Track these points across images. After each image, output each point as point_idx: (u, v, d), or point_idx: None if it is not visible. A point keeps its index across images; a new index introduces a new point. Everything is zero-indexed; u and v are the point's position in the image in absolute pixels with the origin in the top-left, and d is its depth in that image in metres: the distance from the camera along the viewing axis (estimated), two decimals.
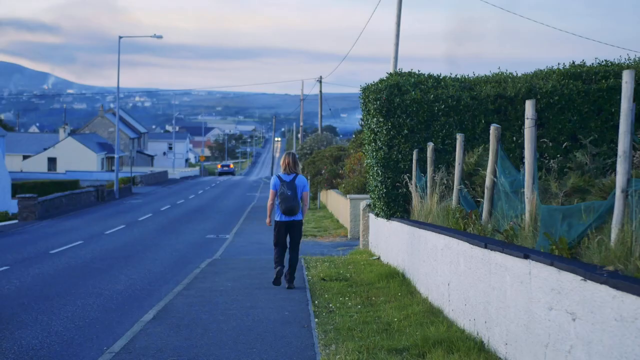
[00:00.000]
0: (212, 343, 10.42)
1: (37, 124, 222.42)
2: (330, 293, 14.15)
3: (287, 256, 15.09)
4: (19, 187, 54.51)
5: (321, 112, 69.79)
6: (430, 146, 14.88)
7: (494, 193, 10.60)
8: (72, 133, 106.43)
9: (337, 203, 37.45)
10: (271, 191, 14.75)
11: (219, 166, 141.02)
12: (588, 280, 6.20)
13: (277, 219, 14.75)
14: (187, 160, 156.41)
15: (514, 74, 17.24)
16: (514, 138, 15.91)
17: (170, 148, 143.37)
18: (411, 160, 16.29)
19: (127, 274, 18.82)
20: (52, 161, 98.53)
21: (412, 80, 16.90)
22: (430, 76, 17.26)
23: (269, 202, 14.87)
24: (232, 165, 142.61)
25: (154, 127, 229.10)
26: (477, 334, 9.53)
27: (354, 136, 45.23)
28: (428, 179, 14.70)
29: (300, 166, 15.47)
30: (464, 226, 11.50)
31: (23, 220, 39.04)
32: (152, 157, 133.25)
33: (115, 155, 64.06)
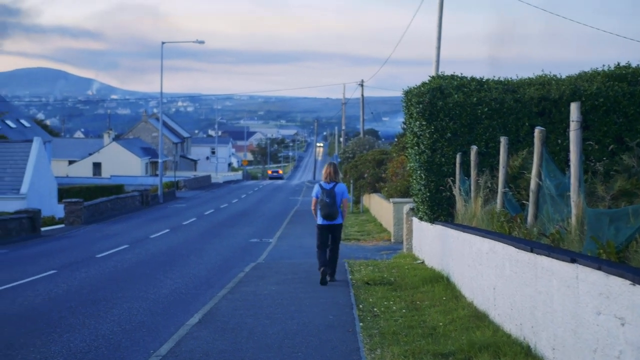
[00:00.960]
0: (257, 347, 10.48)
1: (82, 130, 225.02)
2: (374, 297, 14.15)
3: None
4: (65, 192, 55.18)
5: (363, 115, 69.75)
6: (473, 149, 14.82)
7: (539, 196, 10.53)
8: (116, 138, 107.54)
9: (380, 207, 37.40)
10: (313, 199, 16.39)
11: (270, 172, 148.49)
12: (637, 285, 6.14)
13: (319, 222, 16.19)
14: (229, 164, 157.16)
15: (558, 76, 17.11)
16: (559, 141, 15.79)
17: (213, 152, 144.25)
18: (454, 163, 16.23)
19: (172, 278, 18.97)
20: (97, 166, 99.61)
21: (455, 83, 16.85)
22: (473, 79, 17.19)
23: (312, 208, 16.47)
24: (280, 172, 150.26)
25: (196, 131, 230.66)
26: (524, 339, 9.47)
27: (396, 140, 45.15)
28: (472, 183, 14.64)
29: (341, 175, 16.57)
30: (509, 230, 11.44)
31: (69, 225, 39.53)
32: (195, 161, 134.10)
33: (159, 160, 64.58)
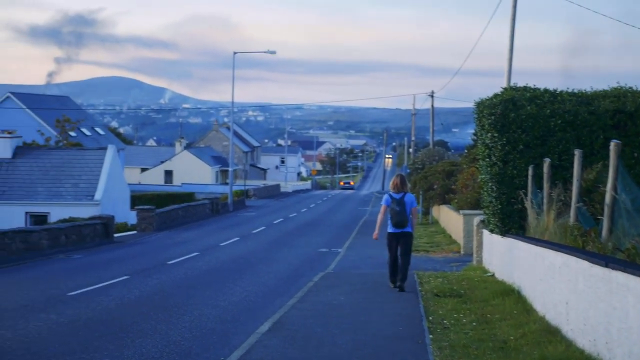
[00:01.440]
0: (327, 357, 10.52)
1: (155, 138, 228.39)
2: (444, 309, 14.08)
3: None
4: (137, 199, 56.05)
5: (433, 126, 69.44)
6: (546, 162, 14.65)
7: (614, 210, 10.37)
8: (187, 146, 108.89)
9: (449, 218, 37.17)
10: (383, 206, 16.80)
11: (342, 182, 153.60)
12: None
13: (389, 230, 16.59)
14: (299, 173, 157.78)
15: (634, 89, 16.82)
16: (634, 154, 15.53)
17: (283, 162, 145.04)
18: (526, 176, 16.06)
19: (241, 286, 19.13)
20: (168, 174, 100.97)
21: (527, 94, 16.69)
22: (546, 91, 16.99)
23: (380, 216, 16.91)
24: (352, 182, 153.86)
25: (266, 141, 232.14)
26: (598, 355, 9.32)
27: (466, 151, 44.83)
28: (544, 196, 14.46)
29: (408, 185, 16.94)
30: (582, 244, 11.28)
31: (141, 231, 40.15)
32: (264, 170, 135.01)
33: (229, 169, 65.18)
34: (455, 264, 24.54)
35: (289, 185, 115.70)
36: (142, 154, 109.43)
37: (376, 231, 17.18)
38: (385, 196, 16.74)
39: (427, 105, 71.12)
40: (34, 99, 73.65)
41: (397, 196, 16.41)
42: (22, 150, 44.28)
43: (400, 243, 16.55)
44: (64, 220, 33.87)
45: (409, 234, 16.65)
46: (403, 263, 16.60)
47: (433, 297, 15.58)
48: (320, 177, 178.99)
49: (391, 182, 16.79)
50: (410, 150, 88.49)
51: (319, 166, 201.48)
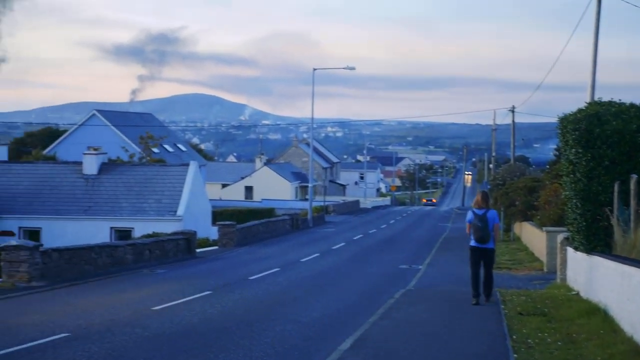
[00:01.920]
0: None
1: (235, 154, 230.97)
2: (528, 328, 13.88)
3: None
4: (218, 215, 56.69)
5: (514, 142, 68.61)
6: (633, 178, 14.35)
7: None
8: (267, 162, 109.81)
9: (531, 235, 36.65)
10: (467, 224, 17.38)
11: (424, 200, 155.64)
12: None
13: (471, 244, 17.27)
14: (378, 189, 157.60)
15: None
16: None
17: (362, 177, 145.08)
18: (612, 192, 15.75)
19: (322, 302, 19.17)
20: (248, 189, 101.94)
21: (613, 109, 16.39)
22: (632, 105, 16.66)
23: (467, 232, 17.46)
24: (434, 200, 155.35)
25: (345, 156, 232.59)
26: None
27: (547, 167, 44.21)
28: (631, 213, 14.17)
29: (491, 201, 17.36)
30: None
31: (222, 247, 40.59)
32: (344, 186, 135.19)
33: (309, 185, 65.51)
34: (538, 281, 24.19)
35: (368, 201, 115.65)
36: (222, 170, 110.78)
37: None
38: (469, 213, 17.35)
39: (508, 121, 70.37)
40: (118, 117, 75.28)
41: (479, 212, 16.98)
42: (107, 166, 45.27)
43: (482, 258, 17.15)
44: (148, 236, 34.46)
45: (491, 250, 17.24)
46: (486, 278, 17.23)
47: (516, 316, 15.38)
48: (400, 193, 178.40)
49: (475, 199, 17.53)
50: (491, 165, 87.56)
51: (398, 182, 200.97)
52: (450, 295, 19.33)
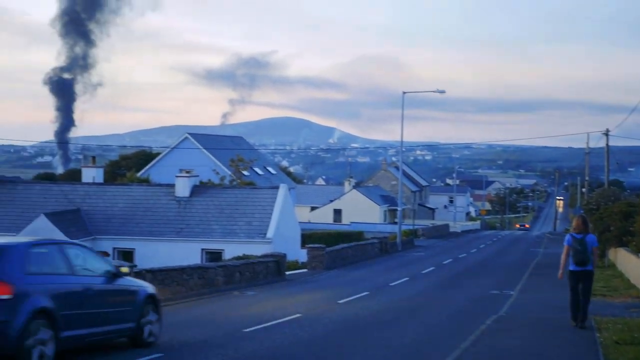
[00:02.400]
0: None
1: (324, 177, 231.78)
2: (625, 357, 13.51)
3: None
4: (307, 237, 56.91)
5: (608, 166, 67.10)
6: None
7: None
8: (356, 186, 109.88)
9: (627, 261, 35.70)
10: (565, 246, 17.67)
11: (517, 225, 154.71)
12: None
13: (571, 268, 17.59)
14: (467, 213, 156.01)
15: None
16: None
17: (451, 201, 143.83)
18: None
19: (413, 327, 19.03)
20: (337, 212, 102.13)
21: None
22: None
23: (563, 256, 17.80)
24: (527, 225, 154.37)
25: (434, 180, 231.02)
26: None
27: None
28: None
29: (590, 226, 17.43)
30: None
31: (312, 269, 40.67)
32: (433, 210, 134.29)
33: (398, 208, 65.24)
34: (635, 309, 23.50)
35: (458, 225, 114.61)
36: (311, 192, 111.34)
37: (560, 271, 18.01)
38: (567, 236, 17.75)
39: (601, 144, 68.85)
40: (209, 140, 76.45)
41: (578, 236, 17.43)
42: (199, 189, 45.97)
43: (581, 281, 17.54)
44: (238, 258, 34.79)
45: (590, 272, 17.68)
46: (584, 301, 17.58)
47: (613, 345, 14.98)
48: (490, 217, 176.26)
49: (574, 223, 17.91)
50: (584, 190, 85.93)
51: (487, 206, 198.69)
52: (543, 322, 18.96)
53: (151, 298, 15.57)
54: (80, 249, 14.50)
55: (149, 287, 15.89)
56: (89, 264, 14.21)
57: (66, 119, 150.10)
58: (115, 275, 14.65)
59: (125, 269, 15.86)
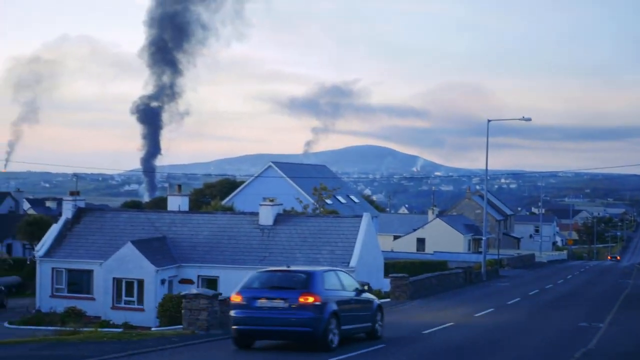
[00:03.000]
0: None
1: (406, 205, 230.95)
2: None
3: None
4: (390, 267, 56.64)
5: None
6: None
7: None
8: (439, 214, 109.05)
9: None
10: None
11: (609, 257, 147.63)
12: None
13: None
14: (553, 243, 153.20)
15: None
16: None
17: (537, 231, 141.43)
18: None
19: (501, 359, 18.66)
20: (420, 242, 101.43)
21: None
22: None
23: None
24: (618, 257, 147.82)
25: (519, 209, 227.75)
26: None
27: None
28: None
29: None
30: None
31: (395, 299, 40.34)
32: (518, 239, 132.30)
33: (483, 237, 64.46)
34: None
35: (544, 255, 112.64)
36: (394, 221, 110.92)
37: None
38: None
39: None
40: (292, 168, 76.99)
41: None
42: (282, 217, 46.14)
43: None
44: None
45: None
46: None
47: None
48: (576, 247, 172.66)
49: None
50: None
51: (574, 235, 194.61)
52: (634, 357, 18.37)
53: (379, 307, 22.34)
54: (344, 274, 21.42)
55: (377, 300, 22.63)
56: (348, 283, 21.03)
57: (152, 147, 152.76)
58: (361, 291, 21.37)
59: (365, 287, 22.04)
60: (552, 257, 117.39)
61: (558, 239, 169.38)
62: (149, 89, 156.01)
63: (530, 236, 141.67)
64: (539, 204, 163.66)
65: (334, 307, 19.15)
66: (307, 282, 19.12)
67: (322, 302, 18.73)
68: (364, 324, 21.16)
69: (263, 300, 18.89)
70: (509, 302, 38.67)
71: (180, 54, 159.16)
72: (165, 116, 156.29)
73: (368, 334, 21.57)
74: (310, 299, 18.64)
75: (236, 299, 19.35)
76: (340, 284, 20.40)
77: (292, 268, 20.37)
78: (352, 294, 20.72)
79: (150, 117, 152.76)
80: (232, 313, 19.47)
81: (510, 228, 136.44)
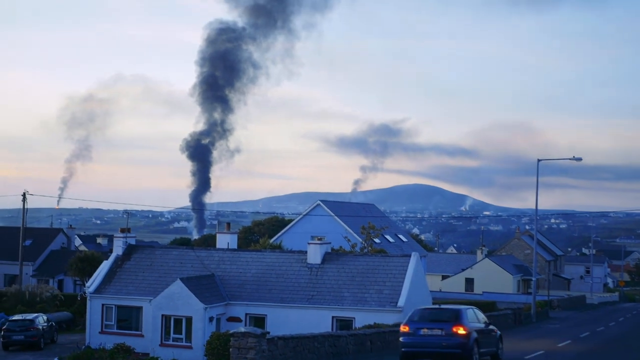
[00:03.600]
0: None
1: (455, 245, 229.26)
2: None
3: None
4: None
5: None
6: None
7: None
8: (488, 254, 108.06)
9: None
10: None
11: None
12: None
13: None
14: (604, 284, 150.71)
15: None
16: None
17: (587, 272, 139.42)
18: None
19: None
20: (469, 282, 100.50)
21: None
22: None
23: None
24: None
25: (569, 249, 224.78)
26: None
27: None
28: None
29: None
30: None
31: None
32: (568, 280, 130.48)
33: (532, 278, 63.71)
34: None
35: (595, 296, 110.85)
36: (442, 261, 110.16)
37: None
38: None
39: None
40: (340, 207, 77.05)
41: None
42: (331, 256, 46.06)
43: None
44: (369, 326, 34.63)
45: None
46: None
47: None
48: (628, 288, 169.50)
49: None
50: None
51: (626, 277, 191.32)
52: None
53: (500, 336, 28.15)
54: (478, 310, 27.22)
55: (499, 331, 28.44)
56: (481, 317, 26.88)
57: (202, 184, 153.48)
58: (489, 323, 27.26)
59: (486, 320, 27.38)
60: (603, 298, 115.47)
61: (609, 280, 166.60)
62: (200, 126, 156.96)
63: (581, 277, 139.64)
64: (590, 244, 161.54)
65: (475, 335, 24.96)
66: (457, 317, 25.10)
67: (468, 332, 24.62)
68: (491, 349, 26.90)
69: (425, 330, 24.91)
70: (560, 345, 38.23)
71: (231, 92, 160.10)
72: (215, 153, 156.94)
73: (493, 356, 27.16)
74: (461, 330, 24.52)
75: (404, 329, 25.36)
76: (477, 318, 26.30)
77: (444, 306, 27.42)
78: (483, 326, 26.35)
79: (200, 154, 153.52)
80: (401, 339, 25.29)
81: (560, 269, 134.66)
